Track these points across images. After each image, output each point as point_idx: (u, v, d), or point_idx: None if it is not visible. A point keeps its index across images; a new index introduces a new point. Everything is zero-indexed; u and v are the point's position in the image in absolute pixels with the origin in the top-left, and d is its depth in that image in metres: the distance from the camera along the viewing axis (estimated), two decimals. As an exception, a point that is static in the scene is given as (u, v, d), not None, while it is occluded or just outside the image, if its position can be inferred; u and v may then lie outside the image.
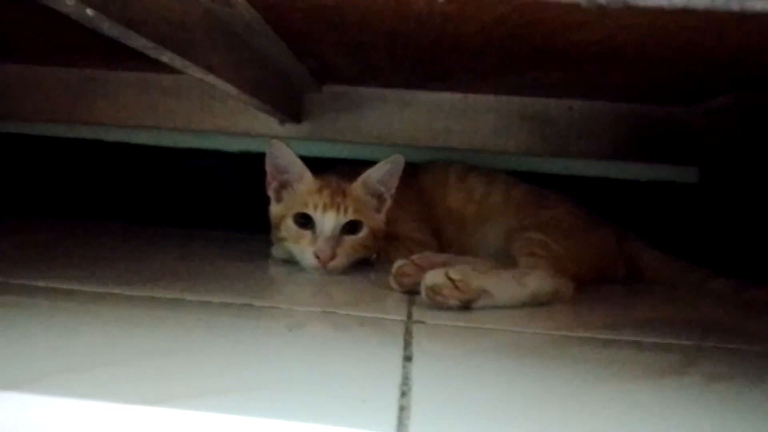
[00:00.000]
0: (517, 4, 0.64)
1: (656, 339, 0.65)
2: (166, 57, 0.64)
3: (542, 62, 0.93)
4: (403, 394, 0.43)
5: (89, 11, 0.47)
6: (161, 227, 1.30)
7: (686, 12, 0.45)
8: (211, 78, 0.75)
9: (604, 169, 1.32)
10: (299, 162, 0.93)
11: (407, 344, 0.56)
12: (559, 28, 0.74)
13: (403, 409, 0.40)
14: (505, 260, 0.87)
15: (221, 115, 1.29)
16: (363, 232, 0.91)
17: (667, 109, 1.25)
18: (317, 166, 0.96)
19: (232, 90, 0.82)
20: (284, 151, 0.92)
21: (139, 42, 0.57)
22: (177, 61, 0.66)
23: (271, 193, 0.96)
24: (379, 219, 0.95)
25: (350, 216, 0.89)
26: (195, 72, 0.71)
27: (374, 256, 0.96)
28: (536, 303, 0.75)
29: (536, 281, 0.76)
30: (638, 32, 0.73)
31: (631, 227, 1.08)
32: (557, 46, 0.82)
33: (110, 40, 0.57)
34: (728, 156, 1.15)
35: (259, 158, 0.95)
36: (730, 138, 1.15)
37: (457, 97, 1.28)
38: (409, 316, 0.67)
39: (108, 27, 0.52)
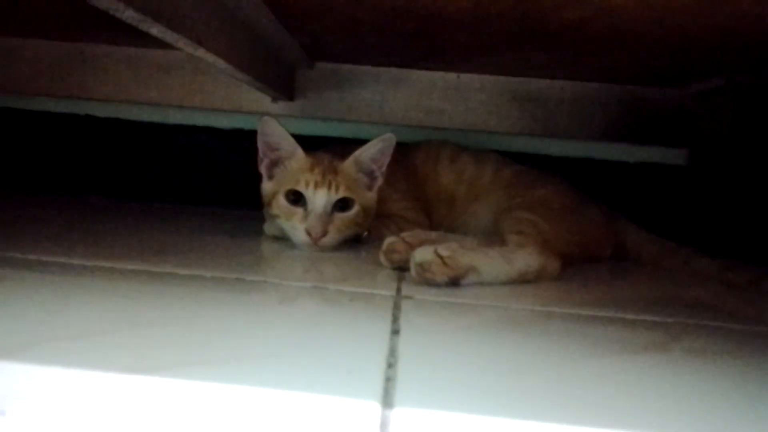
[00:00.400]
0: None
1: (640, 316, 0.67)
2: (156, 30, 0.63)
3: (536, 41, 0.93)
4: (390, 365, 0.44)
5: (77, -19, 0.47)
6: (153, 203, 1.30)
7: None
8: (201, 52, 0.74)
9: (594, 149, 1.32)
10: (291, 139, 0.93)
11: (395, 318, 0.57)
12: (553, 6, 0.74)
13: (389, 380, 0.41)
14: (495, 239, 0.88)
15: (213, 92, 1.28)
16: (354, 210, 0.91)
17: (657, 90, 1.26)
18: (309, 144, 0.96)
19: (222, 65, 0.82)
20: (276, 129, 0.92)
21: (127, 14, 0.56)
22: (167, 35, 0.65)
23: (263, 170, 0.96)
24: (370, 197, 0.95)
25: (342, 193, 0.89)
26: (185, 46, 0.71)
27: (365, 233, 0.97)
28: (523, 280, 0.76)
29: (523, 259, 0.77)
30: (631, 11, 0.73)
31: (620, 208, 1.09)
32: (550, 25, 0.82)
33: (99, 13, 0.56)
34: (718, 138, 1.16)
35: (251, 135, 0.95)
36: (720, 120, 1.15)
37: (449, 76, 1.28)
38: (398, 291, 0.68)
39: (96, -2, 0.51)
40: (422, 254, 0.70)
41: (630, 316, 0.66)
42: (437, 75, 1.27)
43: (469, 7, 0.76)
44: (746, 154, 1.11)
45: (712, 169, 1.17)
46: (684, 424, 0.40)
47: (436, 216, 1.07)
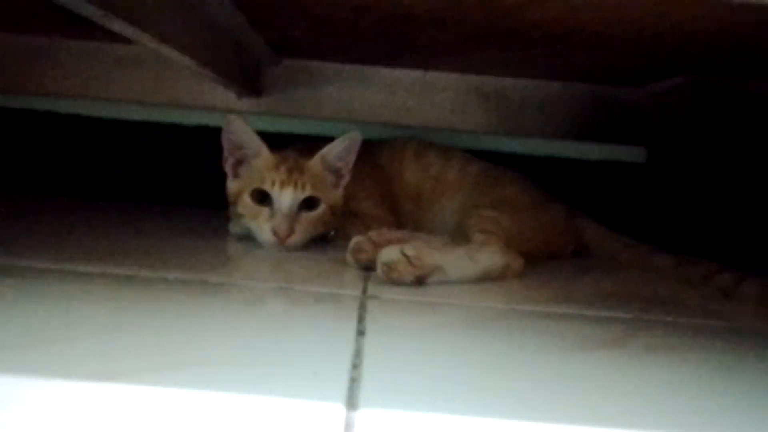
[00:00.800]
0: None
1: (599, 312, 0.69)
2: (117, 26, 0.62)
3: (500, 41, 0.95)
4: (355, 366, 0.45)
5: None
6: (115, 202, 1.27)
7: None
8: (164, 48, 0.73)
9: (556, 148, 1.35)
10: (256, 138, 0.92)
11: (361, 319, 0.57)
12: (517, 7, 0.75)
13: (353, 381, 0.42)
14: (460, 236, 0.89)
15: (177, 88, 1.26)
16: (321, 209, 0.91)
17: (618, 89, 1.29)
18: (276, 141, 0.95)
19: (186, 61, 0.81)
20: (241, 127, 0.91)
21: (87, 9, 0.55)
22: (128, 30, 0.64)
23: (227, 169, 0.95)
24: (337, 195, 0.95)
25: (308, 192, 0.89)
26: (148, 41, 0.69)
27: (332, 232, 0.97)
28: (488, 278, 0.78)
29: (488, 257, 0.78)
30: (592, 13, 0.75)
31: (581, 205, 1.12)
32: (515, 25, 0.83)
33: (58, 7, 0.55)
34: (675, 137, 1.19)
35: (216, 132, 0.94)
36: (677, 119, 1.19)
37: (416, 74, 1.28)
38: (365, 291, 0.68)
39: (55, -6, 0.50)
40: (388, 254, 0.71)
41: (590, 313, 0.68)
42: (404, 73, 1.28)
43: (437, 6, 0.77)
44: (702, 152, 1.15)
45: (669, 166, 1.21)
46: (642, 418, 0.41)
47: (402, 213, 1.08)
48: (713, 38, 0.83)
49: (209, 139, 1.00)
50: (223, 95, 1.25)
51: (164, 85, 1.26)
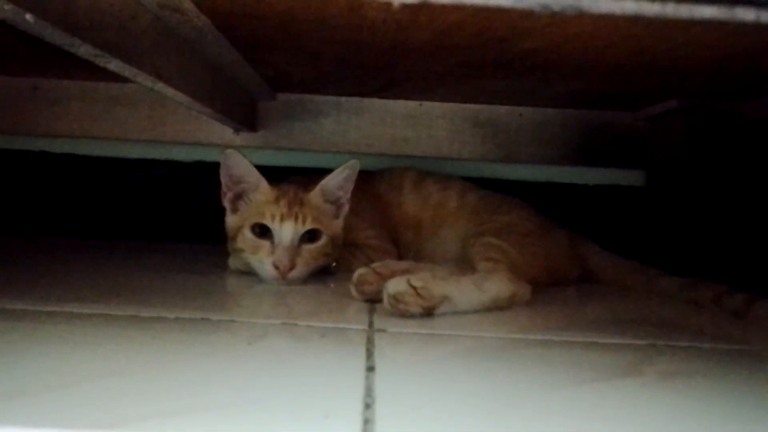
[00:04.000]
0: (471, 10, 0.65)
1: (611, 339, 0.67)
2: (113, 65, 0.62)
3: (494, 71, 0.95)
4: (367, 406, 0.43)
5: (28, 16, 0.45)
6: (112, 241, 1.26)
7: (636, 19, 0.47)
8: (160, 86, 0.72)
9: (553, 173, 1.35)
10: (255, 171, 0.91)
11: (369, 354, 0.55)
12: (511, 36, 0.75)
13: (367, 422, 0.40)
14: (462, 264, 0.87)
15: (173, 125, 1.26)
16: (322, 241, 0.90)
17: (613, 114, 1.29)
18: (273, 174, 0.94)
19: (182, 98, 0.80)
20: (239, 161, 0.90)
21: (83, 49, 0.55)
22: (125, 70, 0.64)
23: (226, 204, 0.93)
24: (337, 225, 0.94)
25: (309, 225, 0.88)
26: (144, 80, 0.69)
27: (334, 264, 0.95)
28: (496, 307, 0.76)
29: (495, 286, 0.76)
30: (585, 40, 0.75)
31: (581, 230, 1.11)
32: (508, 54, 0.84)
33: (54, 48, 0.54)
34: (672, 160, 1.19)
35: (213, 168, 0.93)
36: (673, 142, 1.19)
37: (411, 104, 1.28)
38: (371, 324, 0.66)
39: (50, 33, 0.49)
40: (395, 285, 0.69)
41: (602, 340, 0.66)
42: (399, 103, 1.28)
43: (431, 39, 0.77)
44: (700, 174, 1.15)
45: (668, 189, 1.20)
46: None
47: (402, 243, 1.07)
48: (704, 63, 0.84)
49: (206, 174, 0.99)
50: (219, 131, 1.25)
51: (160, 122, 1.26)
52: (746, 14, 0.37)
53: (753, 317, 0.78)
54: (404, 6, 0.62)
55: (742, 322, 0.79)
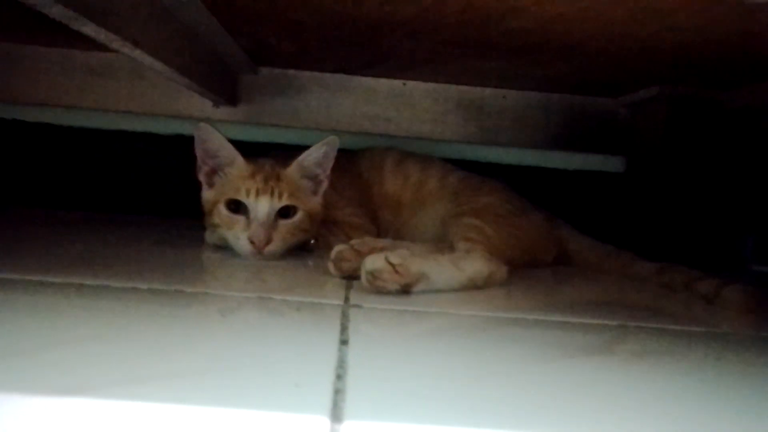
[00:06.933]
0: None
1: (584, 319, 0.68)
2: (88, 29, 0.60)
3: (479, 50, 0.95)
4: (339, 377, 0.43)
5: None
6: (88, 212, 1.23)
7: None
8: (137, 53, 0.71)
9: (535, 157, 1.35)
10: (230, 146, 0.90)
11: (344, 328, 0.55)
12: (497, 14, 0.75)
13: (338, 392, 0.40)
14: (443, 245, 0.88)
15: (152, 96, 1.24)
16: (299, 216, 0.89)
17: (595, 100, 1.30)
18: (253, 150, 0.93)
19: (160, 67, 0.79)
20: (213, 135, 0.89)
21: (55, 9, 0.53)
22: (100, 34, 0.62)
23: (202, 179, 0.92)
24: (315, 201, 0.93)
25: (285, 201, 0.87)
26: (120, 47, 0.67)
27: (312, 241, 0.95)
28: (473, 286, 0.76)
29: (473, 265, 0.77)
30: (566, 23, 0.75)
31: (560, 214, 1.12)
32: (494, 33, 0.83)
33: (27, 9, 0.53)
34: (652, 146, 1.20)
35: (191, 141, 0.92)
36: (653, 129, 1.20)
37: (395, 83, 1.28)
38: (347, 300, 0.66)
39: (21, -9, 0.48)
40: (373, 262, 0.69)
41: (575, 320, 0.67)
42: (383, 82, 1.27)
43: (416, 13, 0.76)
44: (679, 161, 1.16)
45: (648, 175, 1.22)
46: (631, 424, 0.40)
47: (382, 222, 1.07)
48: (686, 50, 0.84)
49: (185, 148, 0.97)
50: (198, 104, 1.23)
51: (138, 93, 1.23)
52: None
53: (722, 301, 0.80)
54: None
55: (711, 306, 0.81)
